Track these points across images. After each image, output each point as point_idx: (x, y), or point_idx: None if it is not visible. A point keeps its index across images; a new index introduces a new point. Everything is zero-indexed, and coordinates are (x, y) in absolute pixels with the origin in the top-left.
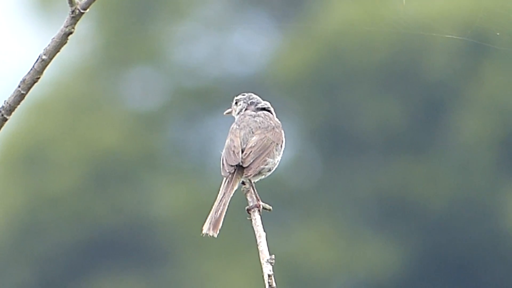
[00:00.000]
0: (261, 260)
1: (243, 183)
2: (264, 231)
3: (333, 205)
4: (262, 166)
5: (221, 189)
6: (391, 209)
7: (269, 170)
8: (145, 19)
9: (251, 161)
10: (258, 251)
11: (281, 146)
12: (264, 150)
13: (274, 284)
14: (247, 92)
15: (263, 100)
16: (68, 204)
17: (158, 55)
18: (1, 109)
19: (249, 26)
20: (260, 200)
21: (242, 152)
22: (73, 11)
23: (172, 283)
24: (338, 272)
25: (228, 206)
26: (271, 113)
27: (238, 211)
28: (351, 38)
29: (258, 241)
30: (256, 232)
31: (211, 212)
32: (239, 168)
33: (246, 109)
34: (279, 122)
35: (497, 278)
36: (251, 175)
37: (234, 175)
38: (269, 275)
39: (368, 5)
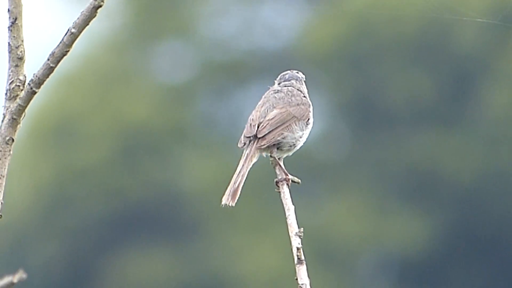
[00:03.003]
0: (289, 233)
1: (271, 156)
2: (293, 204)
3: (362, 178)
4: (278, 139)
5: (240, 161)
6: (420, 183)
7: (291, 145)
8: None
9: (266, 132)
10: (286, 224)
11: (306, 123)
12: (282, 123)
13: (302, 257)
14: (292, 70)
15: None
16: (97, 178)
17: (187, 29)
18: (30, 82)
19: (279, 0)
20: (288, 174)
21: (260, 124)
22: None
23: (202, 256)
24: (367, 245)
25: (246, 177)
26: (299, 90)
27: (267, 185)
28: (380, 11)
29: (286, 214)
30: (284, 205)
31: (230, 184)
32: (257, 140)
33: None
34: (307, 100)
35: None
36: (264, 145)
37: (253, 147)
38: (297, 248)
39: None
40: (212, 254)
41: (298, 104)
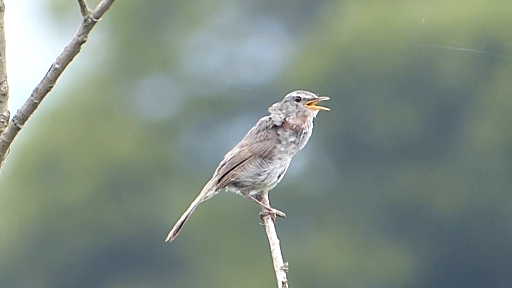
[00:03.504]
0: (275, 267)
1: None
2: (278, 238)
3: (346, 212)
4: (232, 180)
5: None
6: (405, 217)
7: (250, 184)
8: (158, 28)
9: (221, 174)
10: (272, 258)
11: (269, 158)
12: (238, 163)
13: None
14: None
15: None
16: (82, 214)
17: (171, 64)
18: (14, 118)
19: (262, 34)
20: (271, 209)
21: (224, 163)
22: (85, 20)
23: None
24: (352, 279)
25: (191, 212)
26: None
27: (252, 219)
28: (365, 46)
29: (271, 248)
30: (269, 239)
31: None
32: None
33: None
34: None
35: None
36: (218, 188)
37: (211, 182)
38: (283, 283)
39: (381, 12)
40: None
41: (262, 140)
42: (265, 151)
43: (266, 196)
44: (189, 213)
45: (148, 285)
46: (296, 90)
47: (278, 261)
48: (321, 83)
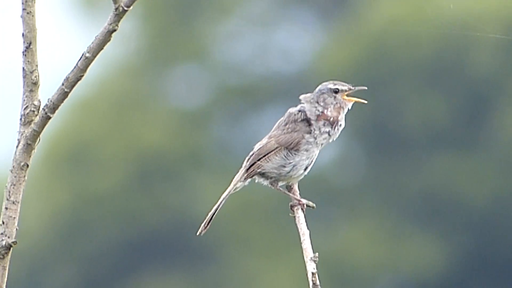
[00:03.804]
0: (304, 258)
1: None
2: (308, 228)
3: (377, 202)
4: (258, 170)
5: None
6: (436, 207)
7: (276, 175)
8: (190, 17)
9: (249, 165)
10: (301, 249)
11: (295, 150)
12: (264, 154)
13: (318, 282)
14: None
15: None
16: (112, 203)
17: (202, 53)
18: (45, 107)
19: (293, 23)
20: (301, 199)
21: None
22: (116, 9)
23: (217, 281)
24: (383, 270)
25: (221, 205)
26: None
27: (282, 209)
28: (395, 35)
29: (301, 239)
30: (299, 230)
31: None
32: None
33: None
34: (304, 126)
35: None
36: (246, 178)
37: (240, 174)
38: (312, 273)
39: (412, 2)
40: (228, 279)
41: (289, 132)
42: (291, 143)
43: (296, 187)
44: (220, 205)
45: (178, 275)
46: (329, 80)
47: (308, 251)
48: (352, 72)
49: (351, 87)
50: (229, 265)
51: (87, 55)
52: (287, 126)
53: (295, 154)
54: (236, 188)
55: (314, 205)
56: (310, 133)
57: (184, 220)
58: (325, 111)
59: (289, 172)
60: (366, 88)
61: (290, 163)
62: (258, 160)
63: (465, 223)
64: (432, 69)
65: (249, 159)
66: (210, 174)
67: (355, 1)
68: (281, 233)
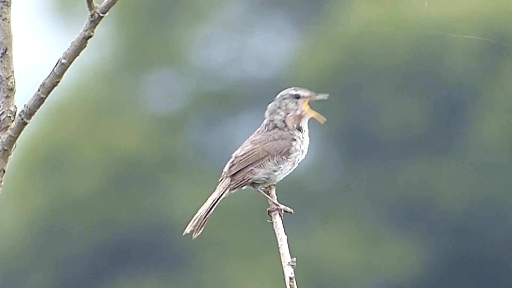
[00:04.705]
0: (282, 263)
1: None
2: (285, 233)
3: (354, 206)
4: (248, 177)
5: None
6: (412, 211)
7: (265, 180)
8: (165, 22)
9: (234, 171)
10: (279, 253)
11: (286, 156)
12: (253, 161)
13: (295, 287)
14: (292, 88)
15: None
16: (89, 207)
17: (178, 58)
18: (21, 113)
19: (269, 28)
20: (279, 205)
21: (234, 160)
22: (92, 15)
23: (194, 285)
24: (359, 273)
25: (212, 209)
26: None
27: (260, 214)
28: (371, 40)
29: (279, 243)
30: (277, 235)
31: (196, 214)
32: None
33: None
34: (287, 133)
35: None
36: (233, 187)
37: (224, 182)
38: (290, 278)
39: (388, 6)
40: (204, 283)
41: (275, 139)
42: (281, 150)
43: (273, 192)
44: (211, 210)
45: (155, 279)
46: (290, 87)
47: (285, 256)
48: (327, 77)
49: (313, 94)
50: (205, 270)
51: (63, 61)
52: (271, 132)
53: (285, 160)
54: (224, 197)
55: (292, 210)
56: (295, 140)
57: (160, 224)
58: (288, 116)
59: (276, 176)
60: (327, 96)
61: (279, 168)
62: (246, 167)
63: (441, 227)
64: (408, 73)
65: (231, 166)
66: (186, 178)
67: (330, 5)
68: (258, 237)
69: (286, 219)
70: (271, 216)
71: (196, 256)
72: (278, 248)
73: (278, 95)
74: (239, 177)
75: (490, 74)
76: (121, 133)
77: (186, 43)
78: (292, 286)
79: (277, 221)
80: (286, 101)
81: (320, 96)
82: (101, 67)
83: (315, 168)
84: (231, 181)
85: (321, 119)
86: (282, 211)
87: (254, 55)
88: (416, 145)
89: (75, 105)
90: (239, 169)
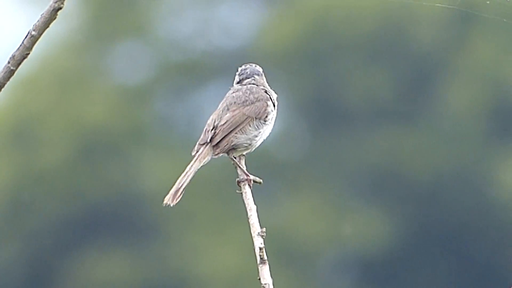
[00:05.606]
0: (252, 233)
1: (229, 157)
2: (255, 204)
3: (321, 177)
4: (233, 143)
5: (190, 162)
6: (380, 181)
7: (246, 146)
8: None
9: (219, 139)
10: (248, 224)
11: (264, 119)
12: (235, 126)
13: (265, 257)
14: (250, 64)
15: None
16: (56, 179)
17: (144, 30)
18: None
19: None
20: (249, 175)
21: (215, 129)
22: None
23: (162, 256)
24: (328, 243)
25: (191, 178)
26: (257, 85)
27: (228, 184)
28: (338, 10)
29: (248, 214)
30: (246, 205)
31: (175, 184)
32: (212, 147)
33: (237, 82)
34: (266, 95)
35: (486, 249)
36: (218, 153)
37: (205, 150)
38: (260, 248)
39: None
40: (173, 254)
41: (253, 102)
42: (259, 112)
43: (243, 162)
44: (188, 179)
45: (123, 251)
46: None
47: (255, 227)
48: (294, 47)
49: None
50: (174, 240)
51: (33, 33)
52: (250, 97)
53: (263, 123)
54: (204, 163)
55: (261, 180)
56: (270, 99)
57: (127, 195)
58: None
59: (257, 141)
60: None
61: (259, 132)
62: (229, 133)
63: (409, 196)
64: (375, 42)
65: (215, 134)
66: (153, 150)
67: None
68: (226, 208)
69: (254, 190)
70: (240, 186)
71: (165, 227)
72: (248, 218)
73: (249, 71)
74: (223, 143)
75: (458, 43)
76: (88, 104)
77: (153, 14)
78: (262, 256)
79: (247, 191)
80: (263, 76)
81: None
82: (67, 38)
83: (283, 138)
84: (215, 148)
85: None
86: (252, 181)
87: (220, 26)
88: (384, 115)
89: (41, 77)
90: (223, 136)
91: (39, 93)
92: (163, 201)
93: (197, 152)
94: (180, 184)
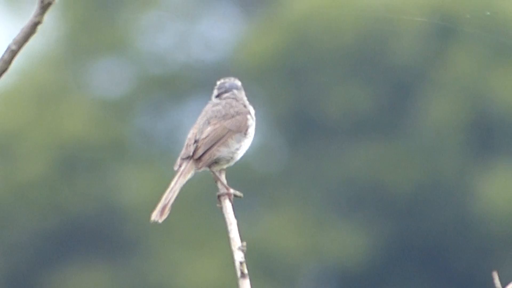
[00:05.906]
0: (232, 247)
1: (210, 171)
2: (235, 218)
3: (301, 191)
4: (215, 156)
5: (174, 177)
6: (359, 194)
7: (228, 159)
8: (111, 7)
9: (201, 153)
10: (228, 238)
11: (245, 133)
12: (217, 140)
13: (246, 271)
14: (229, 78)
15: (240, 84)
16: (36, 193)
17: (124, 43)
18: None
19: (215, 13)
20: (229, 189)
21: (197, 143)
22: (42, 1)
23: (142, 271)
24: (307, 257)
25: (177, 194)
26: (236, 99)
27: (207, 198)
28: (317, 23)
29: (229, 228)
30: (227, 220)
31: (161, 200)
32: (194, 162)
33: (216, 96)
34: (246, 108)
35: (465, 262)
36: (201, 167)
37: (188, 165)
38: (240, 263)
39: None
40: (153, 268)
41: (234, 116)
42: (240, 126)
43: (223, 176)
44: (175, 195)
45: (102, 266)
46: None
47: (235, 241)
48: (273, 61)
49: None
50: (153, 255)
51: (13, 47)
52: (230, 111)
53: (244, 136)
54: (189, 178)
55: (242, 194)
56: (249, 113)
57: (107, 210)
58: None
59: (238, 154)
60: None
61: (241, 145)
62: (212, 146)
63: (388, 211)
64: (354, 56)
65: (197, 147)
66: (133, 164)
67: None
68: (206, 222)
69: (234, 203)
70: (220, 200)
71: (144, 241)
72: (228, 232)
73: (227, 85)
74: (206, 157)
75: (438, 57)
76: (68, 118)
77: (132, 28)
78: (242, 271)
79: (227, 205)
80: (241, 91)
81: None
82: (47, 52)
83: (261, 152)
84: (198, 162)
85: None
86: (232, 195)
87: (200, 40)
88: (363, 129)
89: (21, 91)
90: (205, 149)
91: (19, 107)
92: (150, 217)
93: (180, 167)
94: (167, 200)
